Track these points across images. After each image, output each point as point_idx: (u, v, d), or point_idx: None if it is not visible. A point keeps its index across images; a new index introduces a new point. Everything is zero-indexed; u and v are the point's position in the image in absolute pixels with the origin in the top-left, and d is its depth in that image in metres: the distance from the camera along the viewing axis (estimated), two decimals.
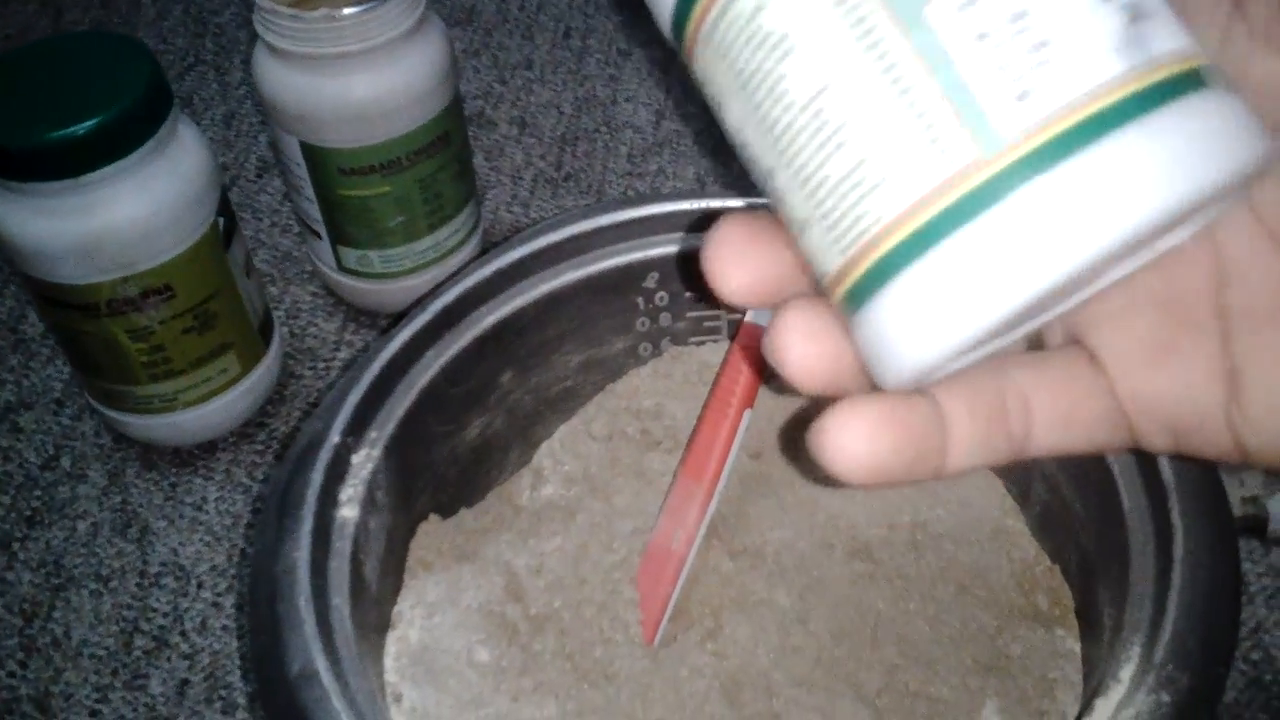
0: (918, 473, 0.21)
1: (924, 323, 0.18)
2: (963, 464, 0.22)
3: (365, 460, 0.33)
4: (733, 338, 0.36)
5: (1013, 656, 0.33)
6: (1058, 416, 0.22)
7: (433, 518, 0.36)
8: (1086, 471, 0.33)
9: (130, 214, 0.39)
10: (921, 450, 0.21)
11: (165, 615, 0.42)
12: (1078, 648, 0.33)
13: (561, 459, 0.39)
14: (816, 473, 0.22)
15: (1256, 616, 0.41)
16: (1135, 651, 0.28)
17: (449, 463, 0.37)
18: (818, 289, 0.20)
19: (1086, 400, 0.22)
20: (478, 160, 0.59)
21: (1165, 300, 0.22)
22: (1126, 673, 0.27)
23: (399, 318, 0.36)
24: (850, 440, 0.20)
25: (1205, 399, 0.21)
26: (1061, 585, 0.34)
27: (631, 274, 0.38)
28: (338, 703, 0.27)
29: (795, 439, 0.38)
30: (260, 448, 0.47)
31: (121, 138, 0.39)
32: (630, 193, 0.58)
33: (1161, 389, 0.21)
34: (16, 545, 0.45)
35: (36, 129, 0.38)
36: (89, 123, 0.38)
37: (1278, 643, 0.40)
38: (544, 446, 0.39)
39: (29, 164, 0.38)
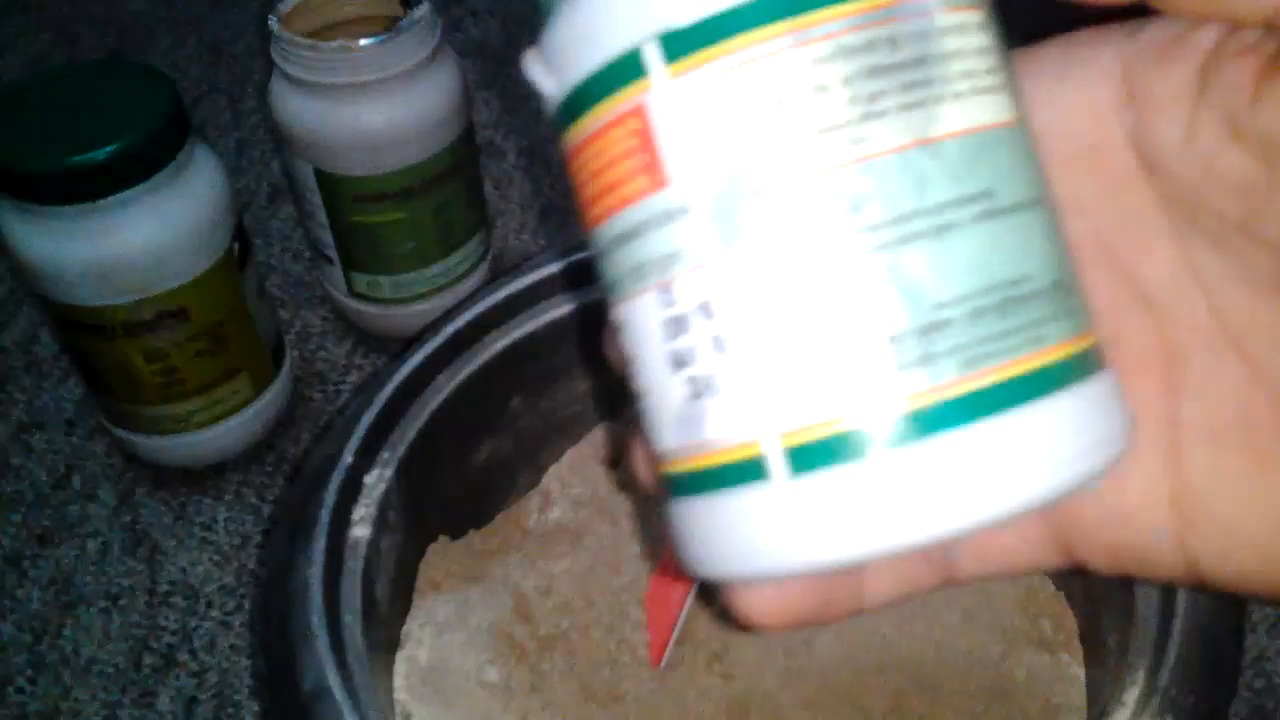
0: (832, 615, 0.20)
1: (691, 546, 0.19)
2: (883, 600, 0.21)
3: (377, 481, 0.33)
4: None
5: (1018, 681, 0.33)
6: (976, 545, 0.21)
7: (442, 539, 0.37)
8: None
9: (147, 238, 0.40)
10: (833, 594, 0.20)
11: (174, 634, 0.43)
12: (1082, 673, 0.33)
13: (569, 482, 0.39)
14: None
15: (1259, 645, 0.41)
16: (1139, 676, 0.28)
17: (459, 485, 0.37)
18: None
19: (1008, 529, 0.19)
20: (488, 189, 0.60)
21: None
22: (1131, 697, 0.28)
23: (410, 342, 0.36)
24: (761, 592, 0.20)
25: (1149, 523, 0.19)
26: (1066, 611, 0.35)
27: None
28: None
29: None
30: (270, 469, 0.48)
31: (139, 163, 0.39)
32: None
33: (1102, 511, 0.20)
34: (27, 563, 0.45)
35: (56, 154, 0.38)
36: (108, 148, 0.38)
37: None
38: (552, 470, 0.40)
39: (48, 188, 0.39)
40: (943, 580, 0.22)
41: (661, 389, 0.19)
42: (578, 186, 0.20)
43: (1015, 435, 0.17)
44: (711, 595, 0.35)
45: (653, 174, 0.18)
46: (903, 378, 0.17)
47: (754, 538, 0.18)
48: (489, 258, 0.53)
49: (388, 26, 0.44)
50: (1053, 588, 0.35)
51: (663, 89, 0.18)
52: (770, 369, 0.17)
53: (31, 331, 0.54)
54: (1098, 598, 0.33)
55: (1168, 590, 0.29)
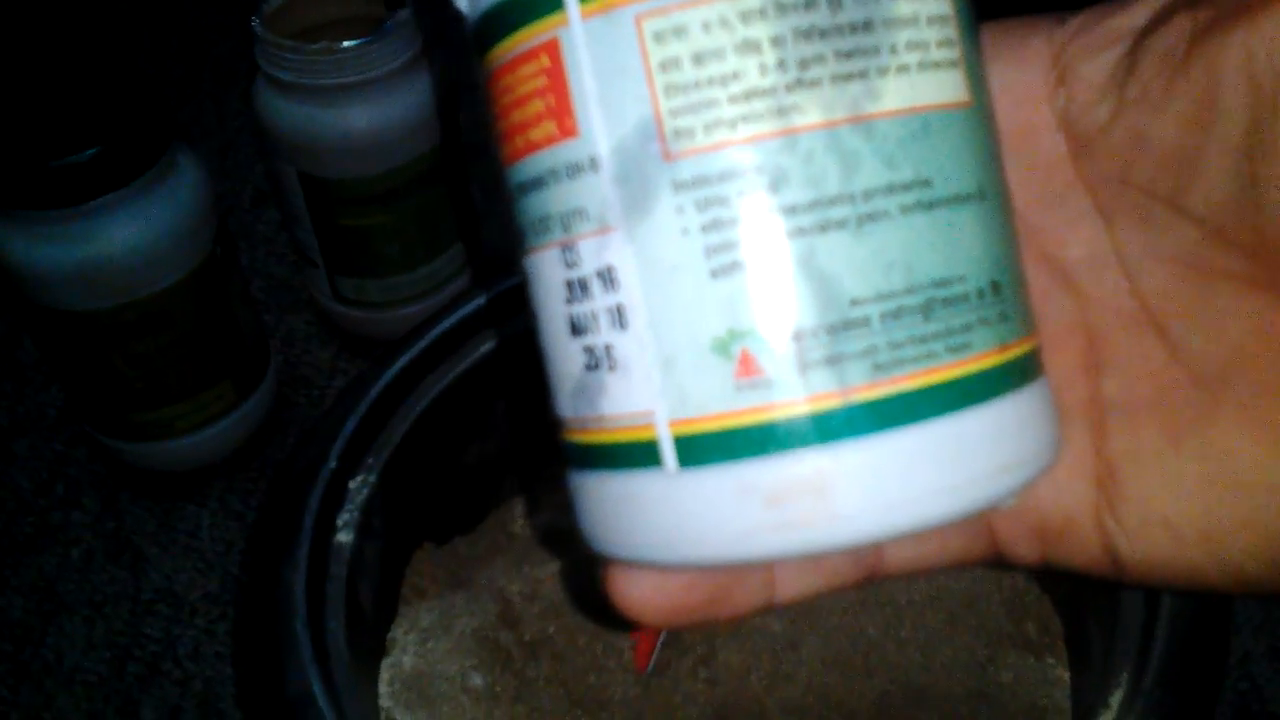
0: (730, 610, 0.20)
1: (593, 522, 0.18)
2: (798, 592, 0.20)
3: (361, 486, 0.33)
4: None
5: (1003, 684, 0.33)
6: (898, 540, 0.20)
7: (427, 545, 0.36)
8: None
9: (129, 242, 0.40)
10: (730, 589, 0.19)
11: (158, 642, 0.42)
12: (1067, 675, 0.33)
13: (555, 487, 0.39)
14: None
15: (1244, 647, 0.41)
16: (1124, 679, 0.28)
17: (444, 490, 0.37)
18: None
19: None
20: (474, 191, 0.59)
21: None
22: (1115, 699, 0.28)
23: (395, 345, 0.36)
24: (641, 582, 0.19)
25: (1073, 499, 0.20)
26: (1051, 614, 0.35)
27: None
28: None
29: None
30: (254, 475, 0.48)
31: (122, 166, 0.39)
32: None
33: (1029, 490, 0.19)
34: (9, 571, 0.45)
35: (38, 157, 0.38)
36: (90, 151, 0.38)
37: (1265, 673, 0.40)
38: (538, 475, 0.40)
39: (30, 191, 0.38)
40: (867, 574, 0.21)
41: (561, 353, 0.18)
42: (492, 119, 0.18)
43: (925, 449, 0.16)
44: None
45: (560, 120, 0.16)
46: (805, 378, 0.15)
47: (640, 524, 0.17)
48: (475, 261, 0.52)
49: (372, 28, 0.43)
50: (1038, 590, 0.35)
51: (577, 27, 0.16)
52: (668, 351, 0.16)
53: (13, 336, 0.54)
54: (1083, 601, 0.33)
55: (1151, 593, 0.29)
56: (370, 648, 0.33)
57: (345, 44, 0.43)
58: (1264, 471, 0.18)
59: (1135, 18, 0.18)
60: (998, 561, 0.21)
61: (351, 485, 0.33)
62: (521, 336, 0.37)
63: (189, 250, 0.42)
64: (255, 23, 0.44)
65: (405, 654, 0.34)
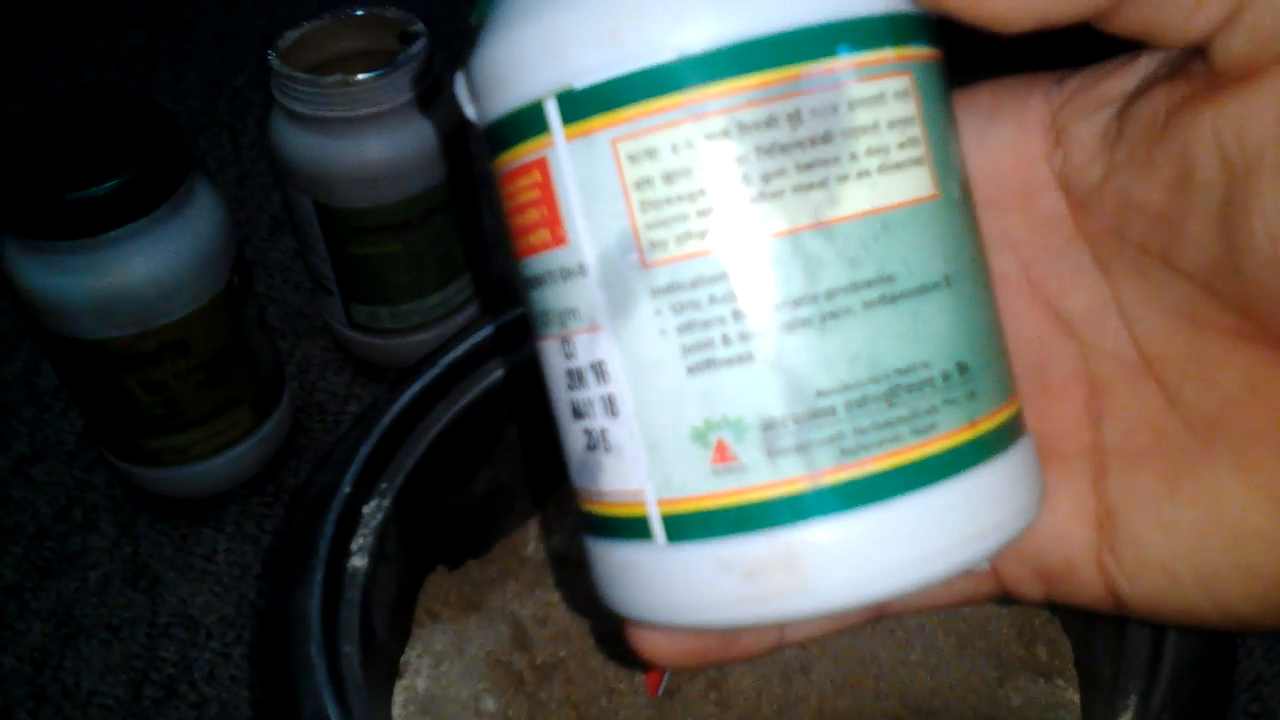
0: (741, 653, 0.21)
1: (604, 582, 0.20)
2: (807, 634, 0.21)
3: (375, 510, 0.33)
4: None
5: (1013, 707, 0.33)
6: None
7: (440, 568, 0.37)
8: None
9: (147, 272, 0.40)
10: (732, 634, 0.20)
11: (174, 665, 0.43)
12: (1077, 698, 0.33)
13: (567, 510, 0.40)
14: None
15: (1255, 669, 0.41)
16: (1132, 700, 0.28)
17: (457, 514, 0.38)
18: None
19: None
20: (485, 219, 0.60)
21: (1032, 434, 0.20)
22: None
23: (409, 372, 0.37)
24: (650, 633, 0.20)
25: (1075, 542, 0.20)
26: (1061, 636, 0.35)
27: None
28: None
29: None
30: (270, 500, 0.48)
31: (140, 197, 0.40)
32: None
33: (1032, 531, 0.20)
34: (28, 595, 0.45)
35: (57, 188, 0.39)
36: (109, 183, 0.39)
37: (1276, 696, 0.40)
38: (550, 499, 0.40)
39: (50, 222, 0.39)
40: (875, 613, 0.22)
41: (567, 432, 0.19)
42: (503, 216, 0.20)
43: (892, 525, 0.17)
44: None
45: (553, 230, 0.18)
46: (775, 463, 0.17)
47: (640, 588, 0.18)
48: (487, 287, 0.53)
49: (386, 61, 0.44)
50: (1048, 614, 0.35)
51: (561, 148, 0.17)
52: (653, 439, 0.17)
53: (33, 364, 0.54)
54: (1092, 623, 0.33)
55: None
56: (384, 671, 0.33)
57: (360, 76, 0.43)
58: (1254, 516, 0.18)
59: (1124, 83, 0.19)
60: (1005, 599, 0.22)
61: (365, 510, 0.33)
62: (531, 363, 0.38)
63: (206, 279, 0.42)
64: (271, 56, 0.45)
65: (418, 677, 0.34)
